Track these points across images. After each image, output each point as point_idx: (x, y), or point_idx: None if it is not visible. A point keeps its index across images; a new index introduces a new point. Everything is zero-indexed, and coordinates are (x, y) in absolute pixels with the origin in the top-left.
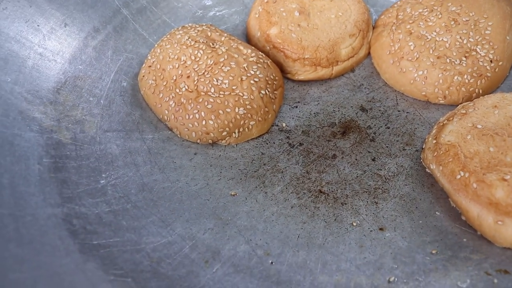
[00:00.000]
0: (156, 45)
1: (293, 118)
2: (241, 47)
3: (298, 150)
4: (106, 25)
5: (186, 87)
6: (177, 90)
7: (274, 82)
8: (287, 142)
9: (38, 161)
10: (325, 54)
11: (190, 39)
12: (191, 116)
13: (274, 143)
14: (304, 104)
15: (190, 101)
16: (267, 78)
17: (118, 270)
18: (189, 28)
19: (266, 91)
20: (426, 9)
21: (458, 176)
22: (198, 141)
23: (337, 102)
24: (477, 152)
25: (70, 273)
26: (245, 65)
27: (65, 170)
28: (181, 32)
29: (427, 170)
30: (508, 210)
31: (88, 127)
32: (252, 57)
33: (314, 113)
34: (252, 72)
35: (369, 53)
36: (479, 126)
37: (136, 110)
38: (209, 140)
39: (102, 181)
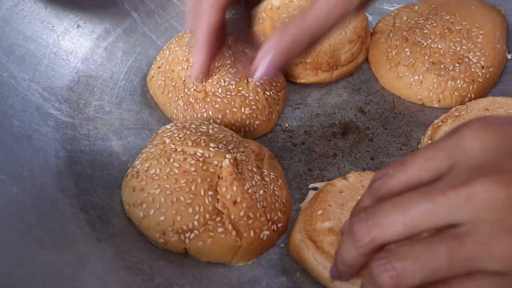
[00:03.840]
0: (165, 47)
1: (295, 118)
2: (247, 51)
3: (300, 148)
4: (116, 28)
5: (195, 88)
6: (186, 90)
7: (278, 84)
8: (290, 141)
9: (55, 155)
10: (326, 59)
11: None
12: (199, 115)
13: (277, 142)
14: (306, 105)
15: (198, 101)
16: (271, 80)
17: (134, 257)
18: None
19: (271, 92)
20: (421, 18)
21: None
22: None
23: (337, 104)
24: None
25: (90, 260)
26: (251, 67)
27: (80, 164)
28: (189, 35)
29: None
30: None
31: (100, 124)
32: None
33: (315, 114)
34: None
35: (367, 58)
36: None
37: (146, 109)
38: None
39: (115, 175)
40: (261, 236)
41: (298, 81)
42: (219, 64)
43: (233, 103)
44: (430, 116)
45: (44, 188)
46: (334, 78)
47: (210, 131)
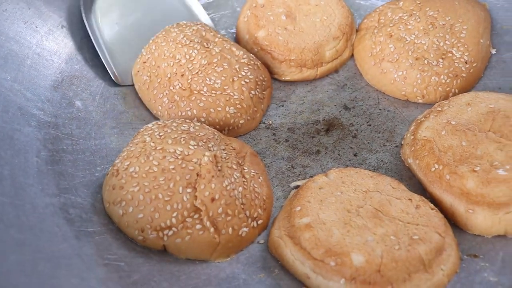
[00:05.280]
0: (151, 41)
1: (279, 116)
2: (234, 49)
3: (283, 146)
4: None
5: (180, 85)
6: (171, 88)
7: (263, 83)
8: (273, 139)
9: (36, 154)
10: (310, 56)
11: (185, 38)
12: (183, 113)
13: (261, 139)
14: (290, 103)
15: (183, 99)
16: (257, 79)
17: (112, 255)
18: (184, 26)
19: (256, 91)
20: (406, 14)
21: (433, 169)
22: None
23: (321, 101)
24: (450, 146)
25: (67, 257)
26: (237, 66)
27: (62, 163)
28: (176, 30)
29: (405, 164)
30: (478, 200)
31: (83, 123)
32: (243, 58)
33: (300, 112)
34: (243, 73)
35: (352, 55)
36: (453, 122)
37: (130, 108)
38: None
39: (97, 174)
40: (240, 232)
41: (283, 78)
42: (205, 62)
43: (218, 102)
44: (415, 111)
45: (23, 188)
46: (319, 75)
47: (192, 129)
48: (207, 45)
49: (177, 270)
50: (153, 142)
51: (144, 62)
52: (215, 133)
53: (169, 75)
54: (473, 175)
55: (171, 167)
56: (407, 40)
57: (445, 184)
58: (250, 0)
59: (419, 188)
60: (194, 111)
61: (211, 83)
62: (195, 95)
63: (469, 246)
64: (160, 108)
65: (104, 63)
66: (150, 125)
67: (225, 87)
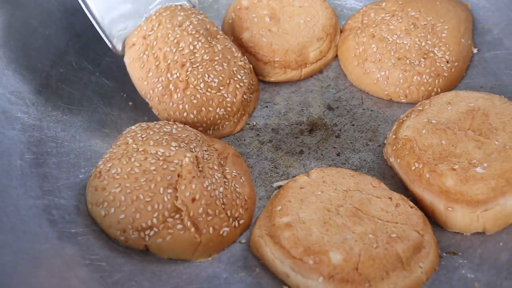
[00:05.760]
0: (154, 16)
1: (263, 117)
2: (233, 49)
3: (267, 146)
4: (86, 31)
5: (178, 75)
6: (168, 75)
7: (252, 86)
8: (257, 140)
9: (20, 157)
10: (294, 57)
11: (191, 27)
12: (174, 105)
13: (244, 140)
14: (274, 104)
15: (178, 91)
16: (249, 84)
17: (94, 255)
18: (189, 12)
19: (246, 95)
20: (388, 14)
21: (413, 168)
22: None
23: (305, 101)
24: (430, 145)
25: (48, 258)
26: (234, 69)
27: (46, 166)
28: (182, 14)
29: (388, 163)
30: (457, 198)
31: (68, 126)
32: (241, 61)
33: (284, 112)
34: (239, 77)
35: (336, 56)
36: (434, 121)
37: (115, 111)
38: None
39: (81, 176)
40: (221, 232)
41: (267, 79)
42: (207, 58)
43: (211, 101)
44: (398, 111)
45: (7, 190)
46: (303, 76)
47: (174, 131)
48: (210, 40)
49: (158, 270)
50: (135, 144)
51: (144, 38)
52: (198, 134)
53: (169, 61)
54: (452, 173)
55: (152, 168)
56: (389, 40)
57: (425, 182)
58: (235, 3)
59: (400, 186)
60: (186, 106)
61: (209, 81)
62: (190, 90)
63: (449, 243)
64: (151, 92)
65: (100, 31)
66: (133, 127)
67: (221, 88)
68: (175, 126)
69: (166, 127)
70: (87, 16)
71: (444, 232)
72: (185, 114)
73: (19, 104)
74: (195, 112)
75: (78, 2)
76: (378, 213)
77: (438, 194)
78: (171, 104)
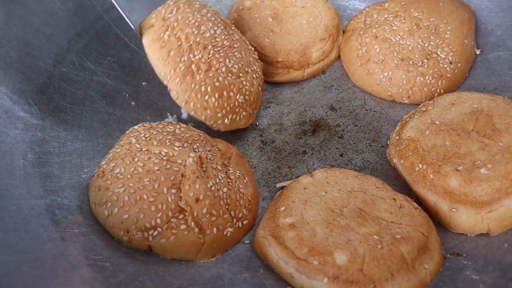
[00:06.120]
0: (171, 2)
1: (266, 117)
2: (247, 42)
3: (270, 147)
4: (88, 31)
5: (200, 56)
6: (191, 55)
7: (263, 81)
8: (260, 140)
9: (22, 157)
10: (297, 57)
11: (209, 13)
12: (197, 86)
13: (247, 140)
14: (277, 104)
15: (200, 71)
16: (261, 77)
17: (98, 255)
18: (204, 3)
19: (260, 88)
20: (391, 15)
21: (417, 168)
22: (192, 113)
23: (308, 102)
24: (434, 146)
25: (52, 258)
26: (250, 59)
27: (49, 165)
28: (198, 2)
29: (391, 164)
30: (461, 198)
31: (71, 126)
32: (254, 53)
33: (286, 113)
34: (255, 68)
35: (339, 56)
36: (437, 122)
37: (117, 110)
38: (202, 117)
39: (84, 175)
40: (225, 232)
41: (270, 79)
42: (227, 44)
43: (232, 86)
44: (401, 112)
45: (9, 190)
46: (306, 76)
47: (177, 131)
48: (227, 29)
49: (162, 270)
50: (138, 144)
51: (164, 20)
52: (201, 134)
53: (191, 42)
54: (456, 174)
55: (156, 168)
56: (392, 41)
57: (429, 183)
58: (237, 3)
59: (404, 187)
60: (208, 88)
61: (230, 66)
62: (213, 72)
63: (453, 244)
64: (172, 72)
65: (123, 14)
66: (136, 127)
67: (240, 75)
68: (178, 126)
69: (169, 127)
70: (90, 15)
71: (448, 233)
72: (206, 97)
73: (21, 104)
74: (216, 95)
75: (80, 1)
76: (382, 214)
77: (442, 195)
78: (193, 85)
